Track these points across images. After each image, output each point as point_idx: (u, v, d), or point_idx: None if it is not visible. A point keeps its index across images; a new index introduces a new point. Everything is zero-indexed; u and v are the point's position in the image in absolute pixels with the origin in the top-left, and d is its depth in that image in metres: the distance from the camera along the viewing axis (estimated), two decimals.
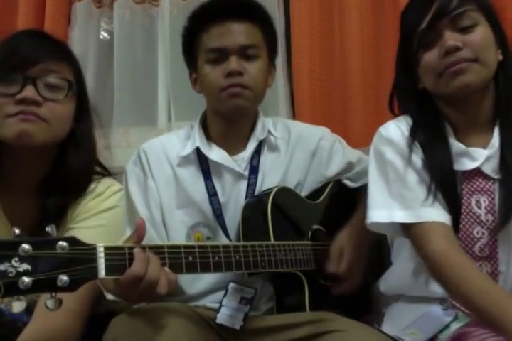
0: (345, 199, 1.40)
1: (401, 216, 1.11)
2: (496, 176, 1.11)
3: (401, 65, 1.20)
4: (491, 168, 1.12)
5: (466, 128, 1.17)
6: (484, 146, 1.14)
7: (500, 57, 1.13)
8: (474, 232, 1.10)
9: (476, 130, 1.16)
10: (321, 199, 1.39)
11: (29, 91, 1.05)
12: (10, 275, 0.75)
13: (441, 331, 1.07)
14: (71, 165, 1.17)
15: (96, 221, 1.16)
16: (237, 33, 1.28)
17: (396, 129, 1.20)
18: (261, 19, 1.34)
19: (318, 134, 1.45)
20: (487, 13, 1.12)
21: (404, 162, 1.14)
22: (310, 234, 1.31)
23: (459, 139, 1.16)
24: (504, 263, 1.10)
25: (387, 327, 1.18)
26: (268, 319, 1.21)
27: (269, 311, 1.25)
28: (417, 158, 1.14)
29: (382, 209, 1.13)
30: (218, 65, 1.28)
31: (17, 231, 0.79)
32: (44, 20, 2.10)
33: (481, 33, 1.10)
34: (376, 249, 1.43)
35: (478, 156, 1.13)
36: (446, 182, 1.11)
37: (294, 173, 1.38)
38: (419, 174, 1.13)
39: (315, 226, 1.34)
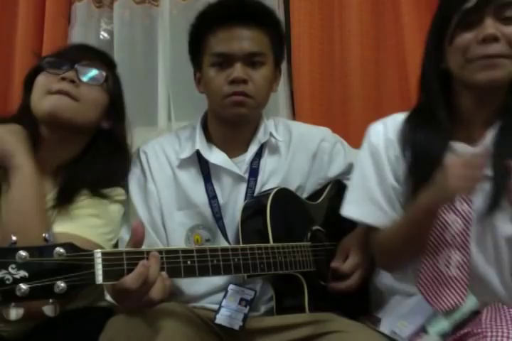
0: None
1: (353, 212, 1.24)
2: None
3: (434, 40, 1.18)
4: None
5: (466, 123, 1.15)
6: (472, 144, 1.13)
7: None
8: (447, 219, 1.07)
9: (474, 126, 1.15)
10: (320, 199, 1.39)
11: (71, 73, 1.24)
12: (7, 282, 0.76)
13: (430, 323, 1.08)
14: (105, 163, 1.29)
15: (95, 209, 1.24)
16: (245, 39, 1.26)
17: (379, 129, 1.25)
18: (270, 25, 1.32)
19: (319, 135, 1.45)
20: None
21: (373, 165, 1.22)
22: (309, 234, 1.31)
23: (451, 134, 1.15)
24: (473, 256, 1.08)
25: (386, 319, 1.17)
26: (267, 319, 1.21)
27: (269, 312, 1.25)
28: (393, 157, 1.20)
29: (351, 204, 1.25)
30: (223, 71, 1.27)
31: (14, 238, 0.79)
32: (44, 20, 2.09)
33: None
34: None
35: (463, 153, 1.10)
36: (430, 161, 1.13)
37: (294, 176, 1.38)
38: (387, 181, 1.19)
39: (314, 227, 1.34)
